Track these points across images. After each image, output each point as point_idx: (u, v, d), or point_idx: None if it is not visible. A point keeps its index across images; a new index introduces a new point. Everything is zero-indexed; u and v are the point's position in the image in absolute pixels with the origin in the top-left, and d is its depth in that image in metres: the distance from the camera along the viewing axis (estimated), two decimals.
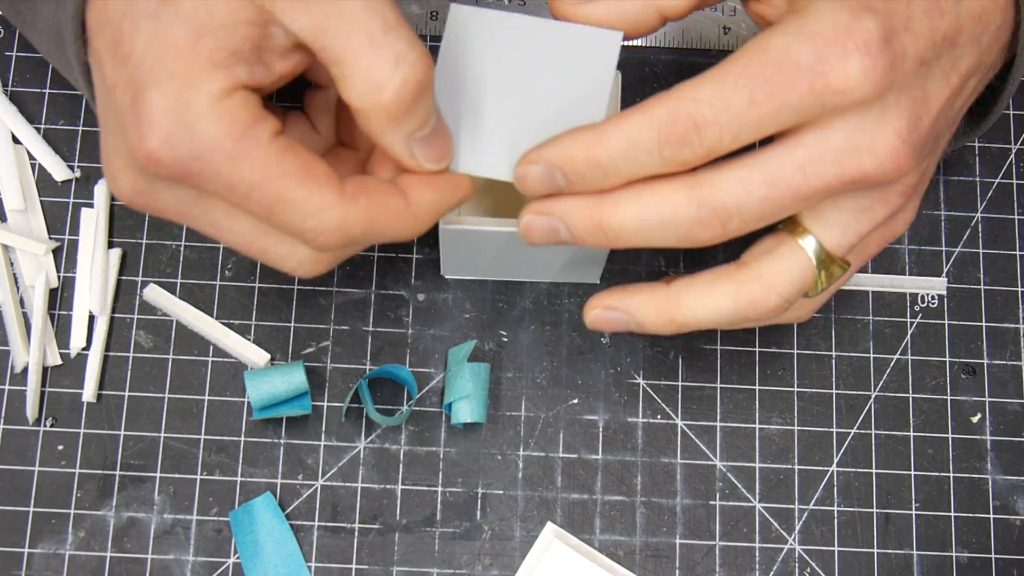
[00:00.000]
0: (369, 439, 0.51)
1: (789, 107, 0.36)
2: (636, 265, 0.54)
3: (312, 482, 0.51)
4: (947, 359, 0.53)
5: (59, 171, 0.53)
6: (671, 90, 0.37)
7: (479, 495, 0.51)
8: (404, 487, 0.51)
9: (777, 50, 0.35)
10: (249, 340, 0.52)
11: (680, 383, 0.53)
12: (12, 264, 0.52)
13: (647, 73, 0.56)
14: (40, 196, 0.54)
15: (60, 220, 0.53)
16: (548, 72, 0.41)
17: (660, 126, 0.36)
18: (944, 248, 0.55)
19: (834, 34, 0.35)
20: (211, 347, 0.52)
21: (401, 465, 0.51)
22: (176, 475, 0.51)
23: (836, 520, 0.51)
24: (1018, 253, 0.55)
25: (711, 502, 0.51)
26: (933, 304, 0.54)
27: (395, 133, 0.37)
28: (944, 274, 0.54)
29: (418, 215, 0.39)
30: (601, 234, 0.39)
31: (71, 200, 0.54)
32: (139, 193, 0.37)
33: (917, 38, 0.36)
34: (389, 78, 0.35)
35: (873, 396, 0.53)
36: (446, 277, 0.53)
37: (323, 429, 0.51)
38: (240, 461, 0.51)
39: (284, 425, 0.51)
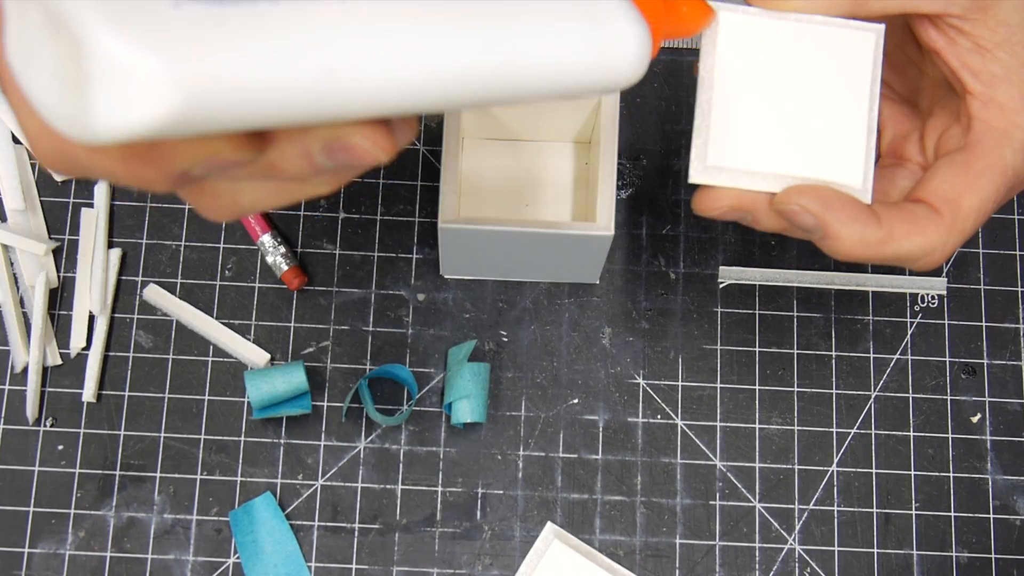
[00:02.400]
0: (369, 439, 0.51)
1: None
2: (636, 265, 0.54)
3: (312, 482, 0.51)
4: (947, 359, 0.53)
5: None
6: (945, 213, 0.40)
7: (479, 495, 0.51)
8: (404, 487, 0.51)
9: (1013, 173, 0.40)
10: (249, 340, 0.52)
11: (680, 383, 0.53)
12: (12, 264, 0.52)
13: (647, 73, 0.56)
14: (40, 196, 0.54)
15: (60, 220, 0.53)
16: (813, 75, 0.41)
17: (932, 250, 0.40)
18: None
19: None
20: (211, 347, 0.52)
21: (401, 465, 0.51)
22: (176, 475, 0.51)
23: (836, 520, 0.51)
24: (1018, 253, 0.55)
25: (711, 502, 0.51)
26: (933, 304, 0.54)
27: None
28: (944, 274, 0.54)
29: None
30: (863, 259, 0.41)
31: (71, 200, 0.54)
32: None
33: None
34: None
35: (873, 396, 0.53)
36: (446, 277, 0.53)
37: (323, 429, 0.51)
38: (240, 461, 0.51)
39: (284, 425, 0.51)
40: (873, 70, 0.40)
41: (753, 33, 0.40)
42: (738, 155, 0.40)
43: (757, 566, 0.51)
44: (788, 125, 0.40)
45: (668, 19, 0.38)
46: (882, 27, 0.40)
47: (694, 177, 0.40)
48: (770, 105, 0.40)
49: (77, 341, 0.52)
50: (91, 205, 0.53)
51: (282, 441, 0.51)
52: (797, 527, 0.51)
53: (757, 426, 0.52)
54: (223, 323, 0.52)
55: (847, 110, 0.40)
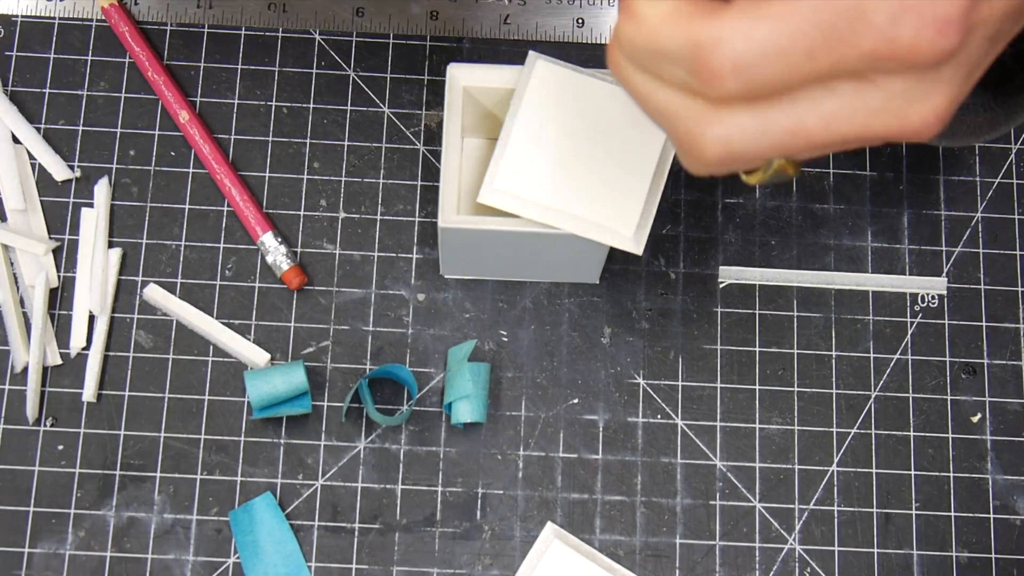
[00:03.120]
0: (369, 439, 0.51)
1: (844, 65, 0.33)
2: (636, 265, 0.54)
3: (312, 482, 0.51)
4: (947, 359, 0.53)
5: (59, 171, 0.53)
6: (724, 11, 0.32)
7: (479, 495, 0.51)
8: (404, 487, 0.51)
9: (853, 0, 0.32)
10: (249, 340, 0.52)
11: (680, 383, 0.53)
12: (12, 264, 0.52)
13: None
14: (40, 196, 0.54)
15: (60, 220, 0.53)
16: (610, 129, 0.45)
17: (698, 49, 0.32)
18: (944, 248, 0.55)
19: None
20: (211, 347, 0.52)
21: (401, 465, 0.51)
22: (176, 475, 0.51)
23: (836, 520, 0.51)
24: (1018, 253, 0.55)
25: (711, 502, 0.51)
26: (933, 304, 0.54)
27: None
28: (944, 274, 0.54)
29: None
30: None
31: (71, 200, 0.54)
32: None
33: (994, 9, 0.33)
34: None
35: (873, 396, 0.53)
36: (446, 277, 0.53)
37: (323, 429, 0.51)
38: (240, 461, 0.51)
39: (284, 425, 0.51)
40: (660, 153, 0.45)
41: (562, 81, 0.45)
42: (523, 184, 0.44)
43: (757, 566, 0.51)
44: (578, 168, 0.44)
45: None
46: None
47: (481, 197, 0.44)
48: (564, 148, 0.44)
49: (77, 341, 0.52)
50: (91, 205, 0.53)
51: (282, 441, 0.51)
52: (797, 527, 0.51)
53: (757, 426, 0.52)
54: (223, 323, 0.52)
55: (635, 166, 0.44)
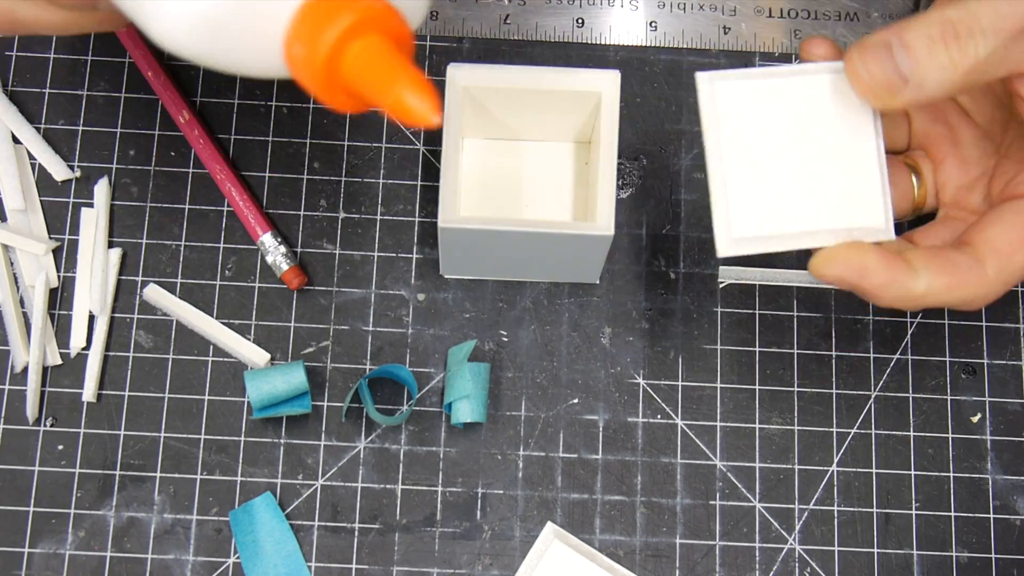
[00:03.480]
0: (369, 439, 0.51)
1: None
2: (636, 265, 0.54)
3: (312, 482, 0.51)
4: (947, 359, 0.53)
5: (59, 171, 0.53)
6: (990, 266, 0.40)
7: (479, 495, 0.51)
8: (404, 487, 0.51)
9: None
10: (249, 340, 0.52)
11: (680, 383, 0.53)
12: (12, 264, 0.52)
13: (647, 73, 0.56)
14: (40, 196, 0.54)
15: (60, 220, 0.53)
16: (815, 125, 0.41)
17: (972, 301, 0.40)
18: None
19: None
20: (211, 347, 0.52)
21: (401, 465, 0.51)
22: (176, 475, 0.51)
23: (836, 520, 0.51)
24: None
25: (711, 502, 0.51)
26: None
27: None
28: None
29: None
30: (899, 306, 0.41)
31: (71, 200, 0.54)
32: None
33: None
34: None
35: (873, 396, 0.53)
36: (446, 277, 0.53)
37: (323, 429, 0.51)
38: (240, 461, 0.51)
39: (284, 425, 0.51)
40: (876, 140, 0.41)
41: (750, 96, 0.41)
42: (761, 221, 0.40)
43: (757, 566, 0.51)
44: (802, 180, 0.40)
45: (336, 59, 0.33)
46: None
47: (722, 251, 0.40)
48: (781, 164, 0.40)
49: (77, 341, 0.52)
50: (91, 205, 0.53)
51: (282, 441, 0.51)
52: (797, 527, 0.51)
53: (757, 426, 0.52)
54: (223, 323, 0.52)
55: (855, 153, 0.41)
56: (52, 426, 0.51)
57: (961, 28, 0.37)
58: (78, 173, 0.54)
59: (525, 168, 0.53)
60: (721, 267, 0.54)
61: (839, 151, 0.41)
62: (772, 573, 0.51)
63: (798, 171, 0.40)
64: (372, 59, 0.32)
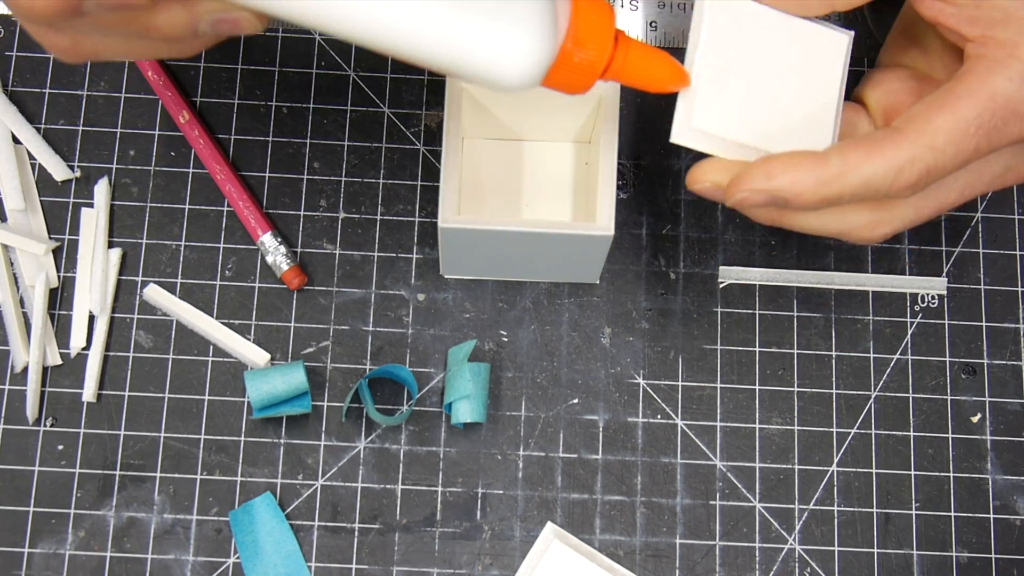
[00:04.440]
0: (369, 439, 0.51)
1: (1002, 146, 0.39)
2: (636, 264, 0.54)
3: (312, 482, 0.51)
4: (947, 359, 0.53)
5: (59, 171, 0.53)
6: (905, 133, 0.38)
7: (479, 495, 0.51)
8: (404, 487, 0.51)
9: (1004, 99, 0.38)
10: (249, 340, 0.52)
11: (680, 383, 0.53)
12: (12, 264, 0.52)
13: None
14: (40, 196, 0.54)
15: (60, 220, 0.53)
16: (789, 63, 0.43)
17: (898, 171, 0.38)
18: (944, 248, 0.55)
19: None
20: (211, 347, 0.52)
21: (401, 465, 0.51)
22: (176, 475, 0.51)
23: (836, 520, 0.51)
24: (1018, 253, 0.55)
25: (711, 502, 0.51)
26: (933, 304, 0.54)
27: None
28: (944, 274, 0.54)
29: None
30: (826, 202, 0.39)
31: (71, 200, 0.54)
32: None
33: None
34: None
35: (873, 396, 0.53)
36: (446, 277, 0.53)
37: (323, 429, 0.51)
38: (240, 461, 0.51)
39: (284, 425, 0.51)
40: (843, 69, 0.43)
41: (739, 14, 0.43)
42: (719, 123, 0.42)
43: (757, 566, 0.51)
44: (765, 103, 0.42)
45: (618, 59, 0.39)
46: (852, 33, 0.43)
47: (676, 136, 0.42)
48: (750, 82, 0.42)
49: (77, 341, 0.52)
50: (91, 205, 0.53)
51: (282, 441, 0.51)
52: (797, 527, 0.51)
53: (757, 426, 0.52)
54: (223, 323, 0.52)
55: (817, 99, 0.42)
56: (52, 426, 0.51)
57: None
58: (78, 173, 0.54)
59: (525, 168, 0.53)
60: (721, 267, 0.54)
61: (805, 92, 0.42)
62: (772, 573, 0.51)
63: (764, 92, 0.42)
64: (640, 53, 0.39)
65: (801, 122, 0.42)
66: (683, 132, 0.42)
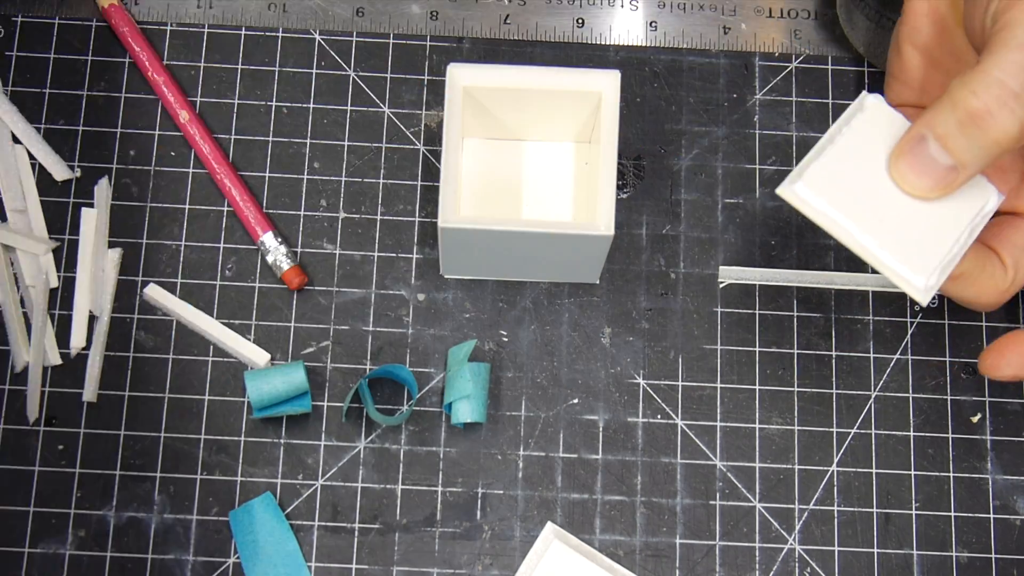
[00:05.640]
0: (369, 439, 0.51)
1: None
2: (636, 264, 0.54)
3: (312, 482, 0.51)
4: (947, 359, 0.53)
5: (59, 171, 0.53)
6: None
7: (479, 495, 0.51)
8: (404, 487, 0.51)
9: None
10: (249, 340, 0.52)
11: (680, 383, 0.53)
12: (12, 264, 0.52)
13: (647, 73, 0.56)
14: (40, 196, 0.54)
15: (60, 220, 0.53)
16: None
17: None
18: None
19: None
20: (211, 347, 0.52)
21: (401, 465, 0.51)
22: (176, 475, 0.51)
23: (836, 520, 0.51)
24: None
25: (711, 502, 0.51)
26: (933, 304, 0.54)
27: None
28: None
29: None
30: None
31: (71, 200, 0.54)
32: None
33: None
34: None
35: (873, 396, 0.53)
36: (446, 277, 0.53)
37: (323, 429, 0.51)
38: (240, 461, 0.51)
39: (284, 425, 0.51)
40: (975, 216, 0.42)
41: (890, 123, 0.42)
42: (828, 196, 0.41)
43: (757, 566, 0.51)
44: (884, 204, 0.41)
45: None
46: (999, 197, 0.42)
47: (780, 190, 0.41)
48: (877, 182, 0.41)
49: (77, 341, 0.52)
50: (91, 205, 0.53)
51: (282, 441, 0.51)
52: (797, 527, 0.51)
53: (757, 426, 0.52)
54: (223, 323, 0.52)
55: (945, 223, 0.41)
56: (52, 426, 0.51)
57: (990, 104, 0.37)
58: (78, 173, 0.54)
59: (525, 168, 0.53)
60: (721, 267, 0.54)
61: (930, 210, 0.41)
62: (772, 573, 0.51)
63: (887, 197, 0.41)
64: None
65: (918, 237, 0.41)
66: (786, 188, 0.41)
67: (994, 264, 0.43)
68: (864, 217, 0.41)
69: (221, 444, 0.51)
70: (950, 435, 0.52)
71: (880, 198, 0.41)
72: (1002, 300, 0.43)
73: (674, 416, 0.52)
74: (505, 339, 0.53)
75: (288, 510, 0.50)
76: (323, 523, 0.50)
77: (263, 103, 0.55)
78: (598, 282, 0.53)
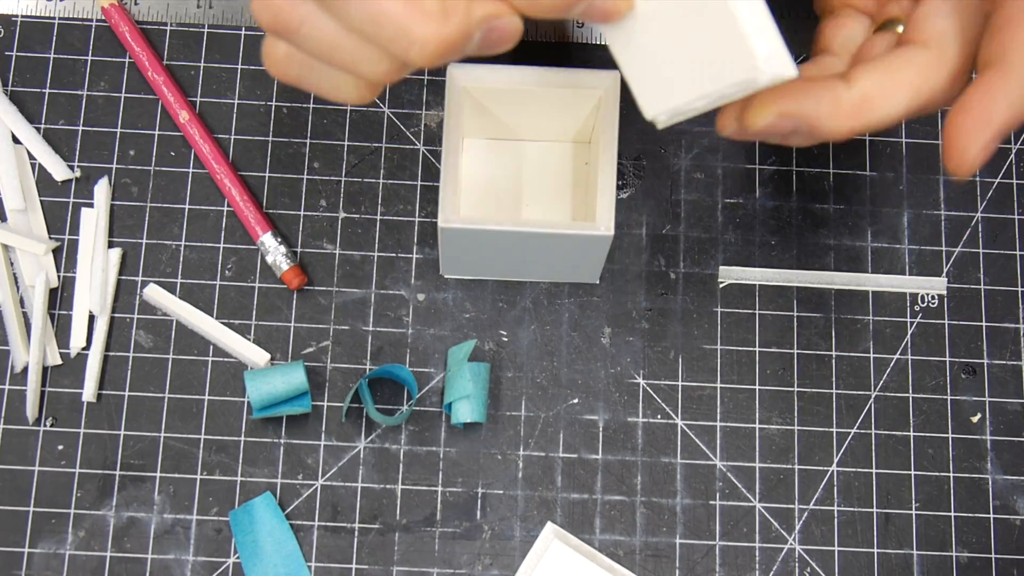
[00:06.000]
0: (369, 439, 0.51)
1: None
2: (636, 265, 0.54)
3: (312, 482, 0.51)
4: (947, 359, 0.53)
5: (59, 171, 0.53)
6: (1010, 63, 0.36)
7: (479, 495, 0.51)
8: (404, 487, 0.51)
9: None
10: (249, 340, 0.52)
11: (680, 383, 0.53)
12: (12, 264, 0.52)
13: None
14: (40, 196, 0.54)
15: (60, 220, 0.53)
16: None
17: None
18: (944, 248, 0.55)
19: None
20: (211, 347, 0.52)
21: (401, 465, 0.51)
22: (176, 475, 0.51)
23: (836, 520, 0.51)
24: (1018, 253, 0.55)
25: (711, 502, 0.51)
26: (933, 304, 0.54)
27: None
28: (944, 274, 0.54)
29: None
30: (856, 132, 0.38)
31: (71, 200, 0.54)
32: None
33: None
34: None
35: (873, 396, 0.53)
36: (446, 277, 0.53)
37: (323, 429, 0.51)
38: (240, 461, 0.51)
39: (284, 425, 0.51)
40: (748, 81, 0.37)
41: None
42: (675, 91, 0.38)
43: (757, 566, 0.51)
44: (688, 38, 0.37)
45: None
46: None
47: (650, 116, 0.39)
48: (662, 35, 0.38)
49: (77, 341, 0.52)
50: (91, 205, 0.53)
51: (282, 441, 0.51)
52: (797, 527, 0.51)
53: (757, 426, 0.52)
54: (223, 323, 0.52)
55: (701, 76, 0.38)
56: (52, 426, 0.51)
57: None
58: (78, 173, 0.54)
59: (525, 168, 0.53)
60: (721, 267, 0.54)
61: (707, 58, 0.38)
62: (772, 573, 0.51)
63: (676, 37, 0.38)
64: None
65: (664, 75, 0.38)
66: (655, 115, 0.39)
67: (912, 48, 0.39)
68: (705, 71, 0.37)
69: (221, 444, 0.51)
70: (950, 435, 0.52)
71: (683, 42, 0.37)
72: (844, 123, 0.38)
73: (674, 416, 0.52)
74: (505, 339, 0.53)
75: (288, 510, 0.50)
76: (323, 523, 0.50)
77: (263, 103, 0.55)
78: (598, 282, 0.53)
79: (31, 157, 0.54)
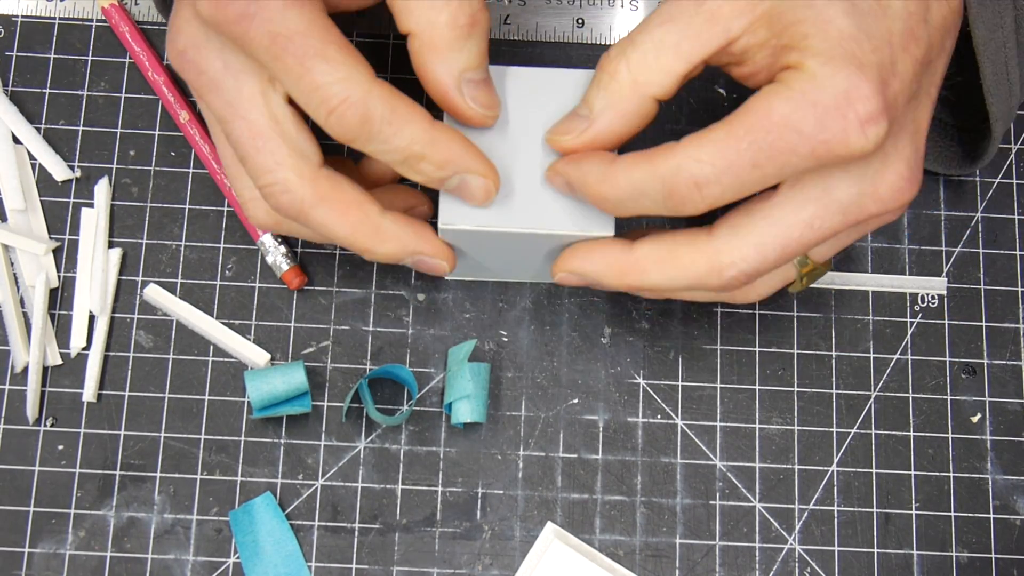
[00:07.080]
0: (369, 439, 0.51)
1: (791, 167, 0.37)
2: None
3: (312, 482, 0.51)
4: (947, 359, 0.53)
5: (59, 171, 0.53)
6: (676, 145, 0.39)
7: (479, 495, 0.51)
8: (404, 487, 0.51)
9: (779, 117, 0.36)
10: (249, 340, 0.52)
11: (680, 383, 0.53)
12: (12, 264, 0.52)
13: None
14: (40, 196, 0.54)
15: (60, 220, 0.53)
16: (541, 118, 0.44)
17: (664, 181, 0.39)
18: (944, 248, 0.55)
19: (834, 103, 0.36)
20: (211, 347, 0.52)
21: (401, 465, 0.51)
22: (176, 475, 0.51)
23: (836, 520, 0.51)
24: (1018, 253, 0.55)
25: (711, 502, 0.51)
26: (933, 304, 0.54)
27: (446, 64, 0.39)
28: (944, 274, 0.54)
29: (380, 231, 0.42)
30: (633, 291, 0.43)
31: (71, 200, 0.54)
32: (192, 47, 0.40)
33: (903, 79, 0.37)
34: (445, 5, 0.38)
35: (873, 396, 0.53)
36: (446, 277, 0.53)
37: (323, 429, 0.51)
38: (240, 461, 0.51)
39: (284, 425, 0.51)
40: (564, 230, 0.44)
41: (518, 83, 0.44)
42: (478, 214, 0.43)
43: (757, 566, 0.51)
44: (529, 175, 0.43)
45: None
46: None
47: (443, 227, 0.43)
48: (517, 156, 0.43)
49: (77, 341, 0.52)
50: (91, 205, 0.53)
51: (282, 441, 0.51)
52: (797, 527, 0.51)
53: (757, 426, 0.52)
54: (223, 323, 0.52)
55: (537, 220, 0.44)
56: (52, 426, 0.51)
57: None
58: (78, 173, 0.54)
59: (525, 168, 0.53)
60: None
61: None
62: (772, 573, 0.51)
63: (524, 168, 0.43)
64: None
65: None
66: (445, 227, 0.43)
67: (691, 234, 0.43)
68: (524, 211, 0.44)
69: (221, 444, 0.51)
70: (950, 435, 0.52)
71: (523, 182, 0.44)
72: (620, 283, 0.43)
73: (674, 416, 0.52)
74: (505, 339, 0.53)
75: (288, 510, 0.50)
76: (323, 523, 0.50)
77: None
78: None
79: (31, 157, 0.54)
